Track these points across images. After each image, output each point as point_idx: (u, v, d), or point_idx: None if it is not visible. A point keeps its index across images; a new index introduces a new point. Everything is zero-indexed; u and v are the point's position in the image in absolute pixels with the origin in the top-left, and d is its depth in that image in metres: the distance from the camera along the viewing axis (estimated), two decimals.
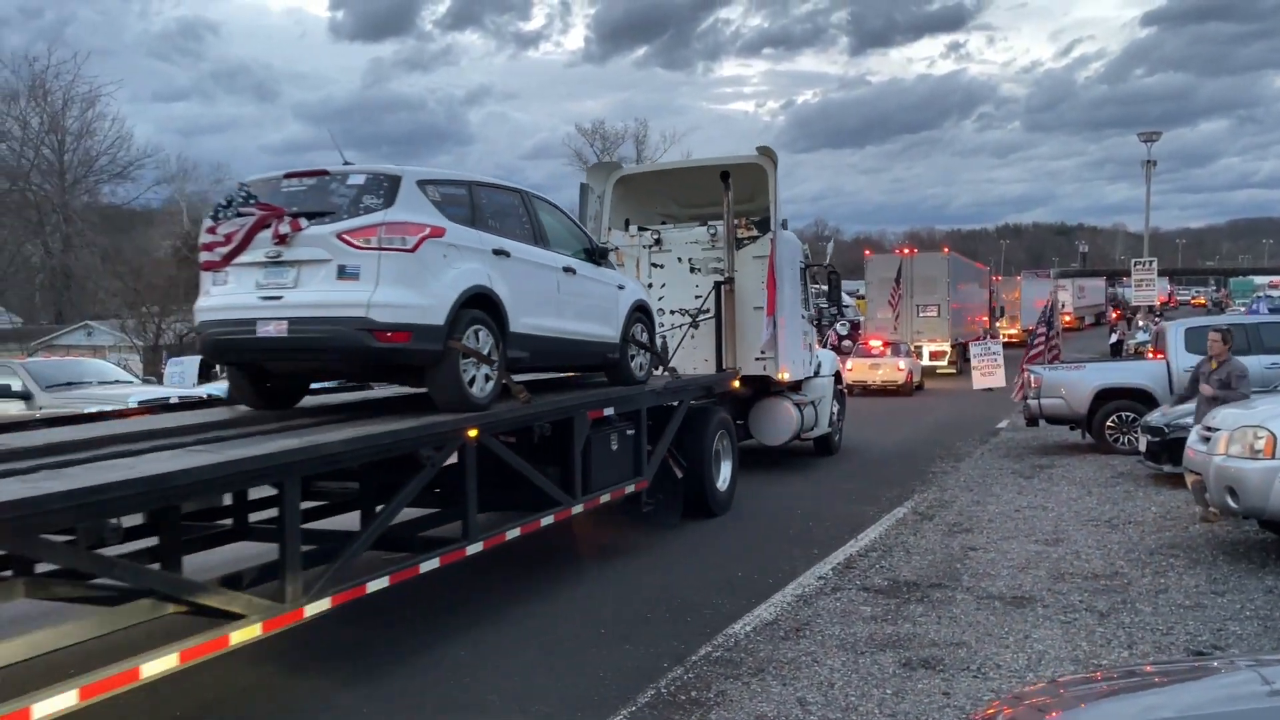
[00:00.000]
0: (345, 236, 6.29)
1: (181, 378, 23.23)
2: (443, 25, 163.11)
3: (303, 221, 6.34)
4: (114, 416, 7.53)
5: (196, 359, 25.11)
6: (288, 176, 6.72)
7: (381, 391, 9.04)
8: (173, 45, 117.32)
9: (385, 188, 6.50)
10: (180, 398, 14.21)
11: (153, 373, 30.38)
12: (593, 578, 8.14)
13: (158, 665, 4.46)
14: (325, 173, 6.68)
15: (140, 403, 13.14)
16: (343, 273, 6.28)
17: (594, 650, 6.28)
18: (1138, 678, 3.26)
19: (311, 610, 5.30)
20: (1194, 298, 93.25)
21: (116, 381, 16.79)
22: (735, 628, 6.57)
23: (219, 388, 17.17)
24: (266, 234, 6.38)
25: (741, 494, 11.04)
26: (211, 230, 6.66)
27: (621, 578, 8.13)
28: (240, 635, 4.89)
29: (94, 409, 11.64)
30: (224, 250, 6.51)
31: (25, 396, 14.67)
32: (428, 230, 6.50)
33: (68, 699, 4.07)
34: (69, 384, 15.50)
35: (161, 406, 9.28)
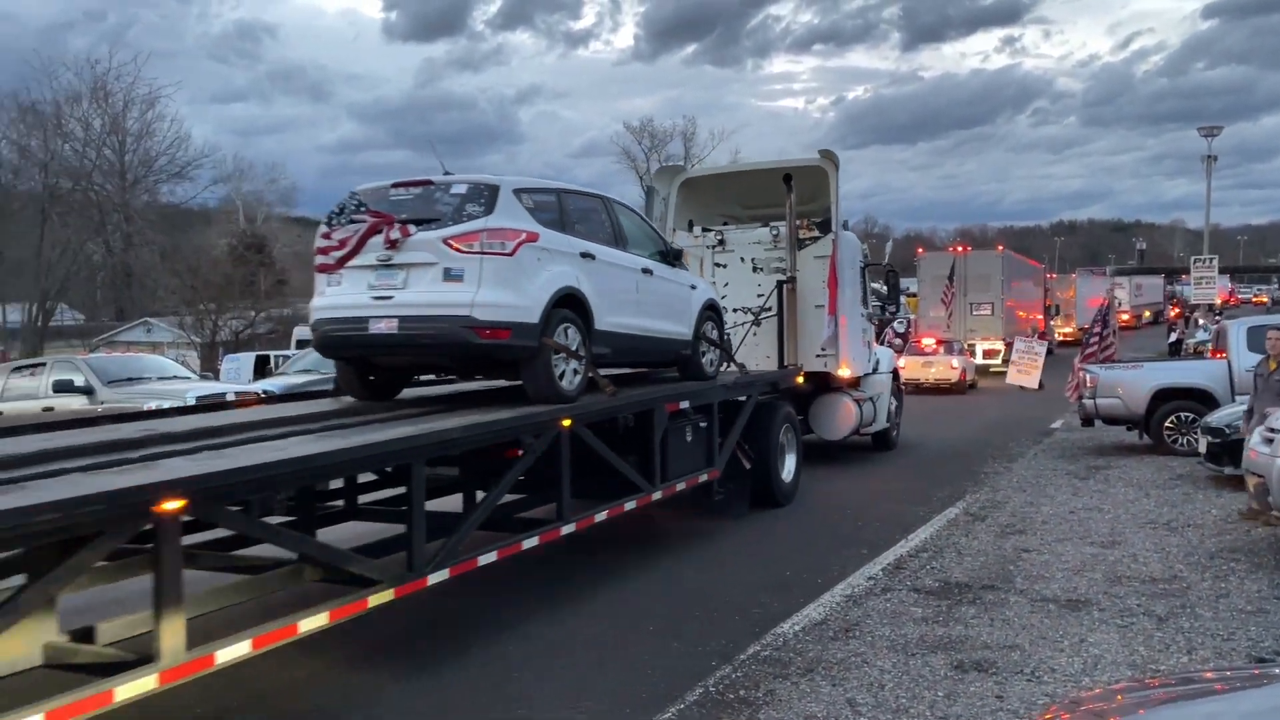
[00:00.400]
0: (450, 241, 6.80)
1: (237, 374, 23.69)
2: (494, 25, 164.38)
3: (411, 228, 6.86)
4: (236, 406, 8.29)
5: (252, 355, 25.61)
6: (395, 186, 7.26)
7: (463, 386, 9.50)
8: (231, 47, 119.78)
9: (485, 196, 7.01)
10: (237, 393, 14.51)
11: (210, 368, 31.02)
12: (641, 575, 8.18)
13: (312, 622, 5.01)
14: (430, 182, 7.21)
15: (199, 398, 13.43)
16: (448, 275, 6.80)
17: (643, 647, 6.31)
18: (1197, 684, 3.21)
19: (434, 579, 5.82)
20: (1255, 296, 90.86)
21: (175, 377, 17.13)
22: (784, 627, 6.56)
23: (274, 384, 17.48)
24: (378, 239, 6.88)
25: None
26: (326, 235, 7.17)
27: (670, 575, 8.17)
28: (377, 598, 5.42)
29: (153, 404, 11.94)
30: (338, 254, 7.05)
31: (88, 391, 15.05)
32: (524, 235, 7.00)
33: (243, 648, 4.65)
34: (129, 379, 15.85)
35: (276, 397, 9.75)
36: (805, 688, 5.42)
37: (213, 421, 6.53)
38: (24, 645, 4.54)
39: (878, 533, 9.49)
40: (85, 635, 4.89)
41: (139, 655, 4.38)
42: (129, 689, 4.13)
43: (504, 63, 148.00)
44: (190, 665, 4.39)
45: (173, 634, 4.33)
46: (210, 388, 16.35)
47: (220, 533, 6.10)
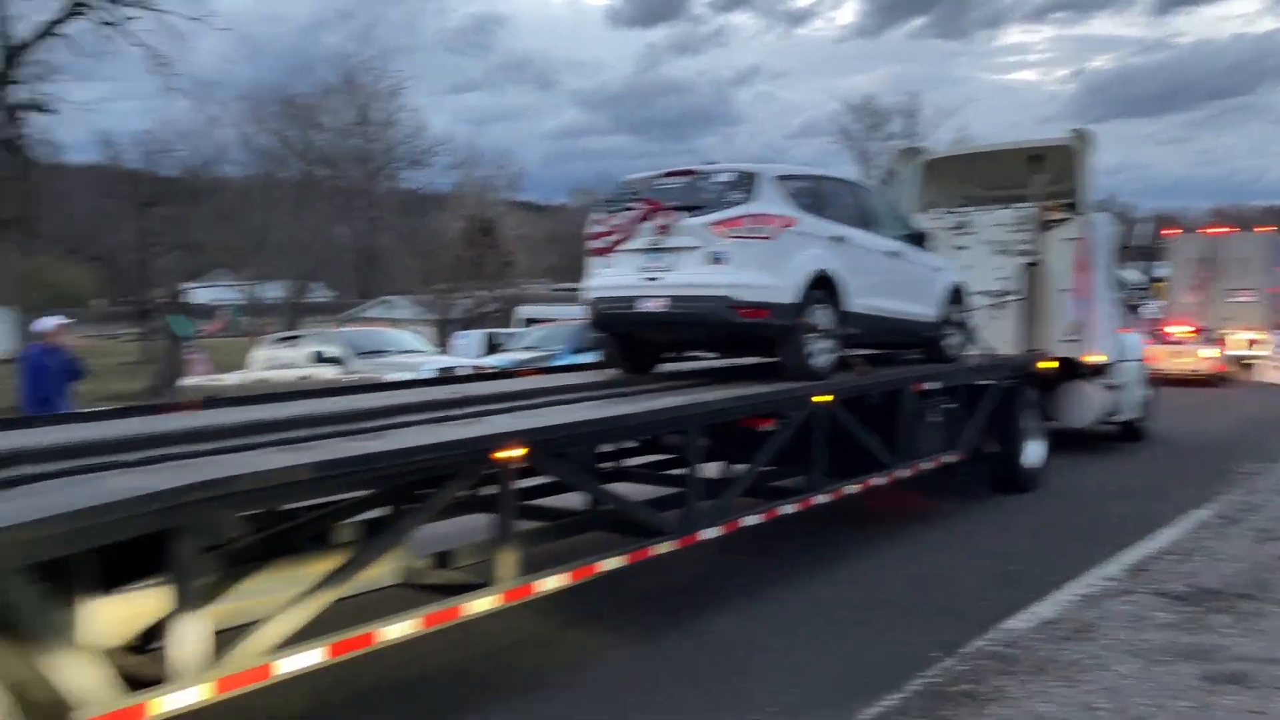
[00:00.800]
0: (715, 226, 7.32)
1: (468, 349, 25.07)
2: (715, 7, 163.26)
3: (679, 214, 7.41)
4: (505, 376, 9.29)
5: (483, 332, 26.96)
6: (663, 175, 7.86)
7: (703, 363, 9.97)
8: (465, 40, 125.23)
9: (747, 183, 7.50)
10: (475, 368, 15.38)
11: (442, 344, 32.87)
12: (879, 553, 8.22)
13: (612, 563, 5.69)
14: (695, 171, 7.76)
15: (441, 370, 14.31)
16: (712, 258, 7.32)
17: (863, 632, 6.27)
18: None
19: (707, 535, 6.36)
20: None
21: (413, 351, 18.35)
22: (1012, 623, 6.31)
23: (501, 359, 18.38)
24: (648, 225, 7.51)
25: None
26: (600, 221, 7.92)
27: (906, 555, 8.16)
28: (660, 548, 6.02)
29: (395, 376, 12.83)
30: (612, 239, 7.76)
31: (340, 362, 16.37)
32: (782, 220, 7.43)
33: (562, 579, 5.36)
34: (375, 352, 17.12)
35: (546, 369, 10.48)
36: (1035, 687, 5.19)
37: (507, 388, 7.37)
38: (385, 568, 5.26)
39: (1119, 530, 8.98)
40: (442, 560, 5.72)
41: (478, 580, 5.09)
42: (475, 606, 4.88)
43: (723, 44, 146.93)
44: (521, 590, 5.08)
45: (508, 563, 5.01)
46: (446, 362, 17.37)
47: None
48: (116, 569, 3.94)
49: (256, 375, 17.88)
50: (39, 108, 22.83)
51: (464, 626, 5.01)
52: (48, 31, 22.13)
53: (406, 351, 17.98)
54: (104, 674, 3.60)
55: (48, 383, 9.35)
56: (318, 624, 4.35)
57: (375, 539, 4.89)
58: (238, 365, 20.21)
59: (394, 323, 39.32)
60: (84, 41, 22.56)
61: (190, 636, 3.76)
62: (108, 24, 22.37)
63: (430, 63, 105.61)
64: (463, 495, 5.16)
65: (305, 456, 4.30)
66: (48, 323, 9.85)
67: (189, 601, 3.76)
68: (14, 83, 22.12)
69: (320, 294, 53.78)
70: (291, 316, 44.59)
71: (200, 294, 49.30)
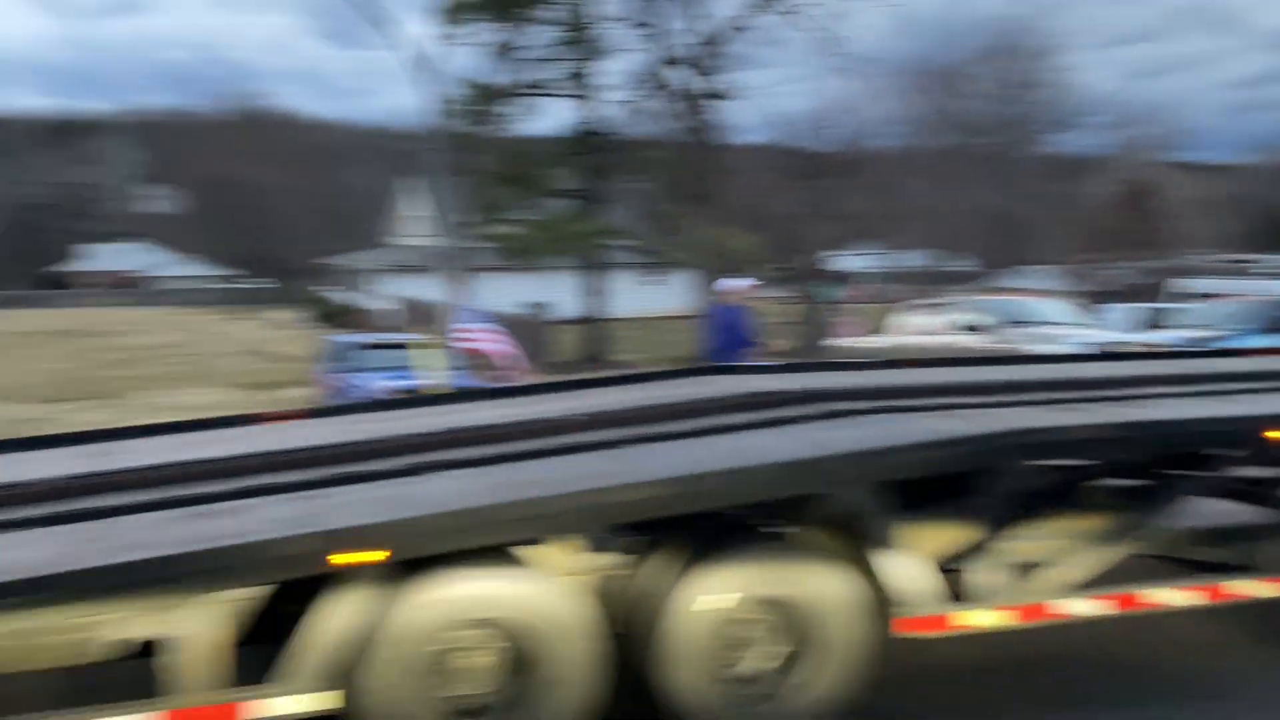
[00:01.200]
0: None
1: (1119, 323, 23.16)
2: None
3: None
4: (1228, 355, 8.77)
5: (1138, 306, 24.70)
6: None
7: None
8: None
9: None
10: (1141, 344, 14.22)
11: (1089, 317, 30.75)
12: None
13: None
14: None
15: (1102, 346, 13.44)
16: None
17: None
18: None
19: None
20: None
21: (1059, 323, 17.46)
22: None
23: (1165, 337, 16.68)
24: None
25: None
26: None
27: None
28: None
29: (1039, 348, 12.37)
30: None
31: (986, 330, 16.26)
32: None
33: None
34: (1021, 322, 16.63)
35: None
36: None
37: (1253, 367, 6.78)
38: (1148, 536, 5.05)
39: None
40: (1194, 537, 5.25)
41: (1242, 563, 4.90)
42: (1240, 589, 4.71)
43: None
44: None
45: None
46: (1099, 336, 16.26)
47: None
48: (915, 499, 4.45)
49: (901, 340, 18.43)
50: (722, 96, 25.83)
51: (1155, 617, 4.75)
52: (735, 25, 24.89)
53: (1050, 323, 17.19)
54: (922, 583, 4.14)
55: (731, 338, 10.59)
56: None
57: (1150, 506, 4.76)
58: (878, 330, 21.04)
59: (1038, 293, 37.89)
60: (764, 31, 24.99)
61: (990, 566, 4.21)
62: (786, 13, 24.46)
63: (1091, 16, 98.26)
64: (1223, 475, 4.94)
65: (1093, 418, 4.49)
66: (737, 284, 11.10)
67: (988, 535, 4.23)
68: (705, 74, 25.29)
69: (959, 262, 53.63)
70: (928, 284, 45.18)
71: (847, 261, 52.19)
